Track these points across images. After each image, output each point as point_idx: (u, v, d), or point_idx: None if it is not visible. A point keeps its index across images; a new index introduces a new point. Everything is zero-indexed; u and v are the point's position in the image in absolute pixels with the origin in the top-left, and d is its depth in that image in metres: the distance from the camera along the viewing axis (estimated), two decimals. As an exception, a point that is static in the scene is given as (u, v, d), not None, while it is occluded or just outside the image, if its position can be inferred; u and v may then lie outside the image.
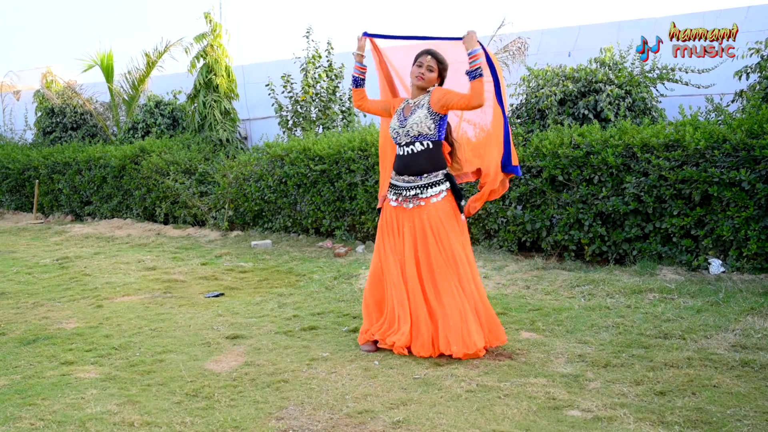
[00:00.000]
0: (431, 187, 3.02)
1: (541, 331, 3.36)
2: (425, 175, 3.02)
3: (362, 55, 3.25)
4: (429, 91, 3.09)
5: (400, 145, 3.08)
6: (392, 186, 3.12)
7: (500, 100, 3.00)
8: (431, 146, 3.03)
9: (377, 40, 3.31)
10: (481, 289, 3.10)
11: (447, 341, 2.96)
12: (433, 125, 3.01)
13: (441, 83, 3.13)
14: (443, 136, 3.09)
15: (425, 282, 3.01)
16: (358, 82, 3.27)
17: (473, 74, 2.89)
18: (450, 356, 2.96)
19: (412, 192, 3.04)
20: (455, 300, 2.95)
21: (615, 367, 2.83)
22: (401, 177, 3.07)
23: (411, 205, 3.04)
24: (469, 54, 2.90)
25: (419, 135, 3.01)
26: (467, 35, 2.93)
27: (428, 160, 3.02)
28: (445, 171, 3.07)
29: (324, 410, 2.50)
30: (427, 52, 3.05)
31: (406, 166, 3.04)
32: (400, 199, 3.07)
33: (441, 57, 3.07)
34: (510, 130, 3.05)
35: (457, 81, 3.10)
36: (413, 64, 3.07)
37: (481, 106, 2.95)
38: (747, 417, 2.32)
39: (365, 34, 3.26)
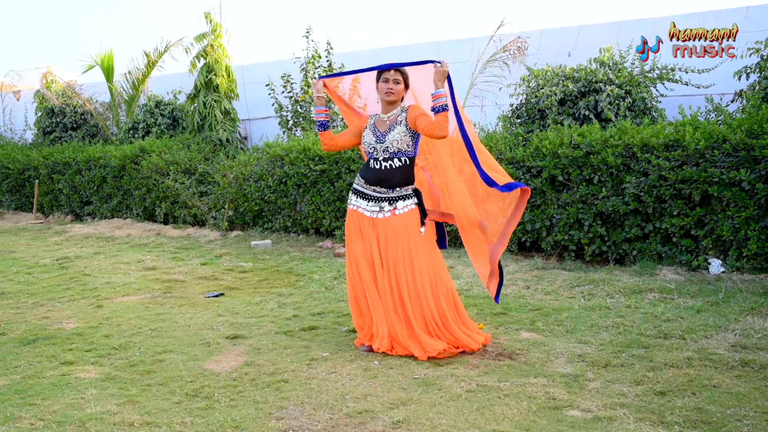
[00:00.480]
0: (401, 200, 3.09)
1: (541, 331, 3.36)
2: (398, 188, 3.10)
3: (322, 98, 3.23)
4: (404, 108, 3.13)
5: (376, 159, 3.10)
6: (359, 193, 3.15)
7: (462, 130, 3.04)
8: (408, 162, 3.11)
9: (332, 81, 3.35)
10: (447, 299, 3.11)
11: (407, 344, 3.04)
12: (411, 142, 3.09)
13: (406, 89, 3.16)
14: (417, 153, 3.16)
15: (392, 286, 3.07)
16: (325, 125, 3.24)
17: (437, 109, 2.95)
18: (436, 358, 3.00)
19: (382, 203, 3.09)
20: (407, 310, 3.04)
21: (615, 367, 2.83)
22: (372, 187, 3.12)
23: (379, 216, 3.09)
24: (432, 93, 2.96)
25: (398, 151, 3.08)
26: (439, 71, 2.93)
27: (403, 176, 3.10)
28: (413, 186, 3.15)
29: (324, 410, 2.50)
30: (388, 66, 3.08)
31: (381, 179, 3.09)
32: (367, 206, 3.12)
33: (402, 69, 3.11)
34: (477, 156, 3.05)
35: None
36: (378, 82, 3.11)
37: (444, 137, 3.01)
38: (747, 417, 2.32)
39: (320, 77, 3.29)
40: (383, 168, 3.08)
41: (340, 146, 3.29)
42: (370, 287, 3.09)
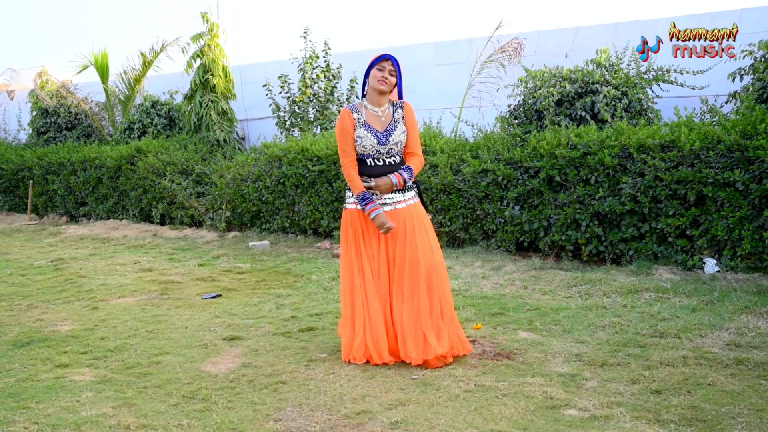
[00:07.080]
0: (408, 191, 3.05)
1: (539, 331, 3.37)
2: None
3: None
4: (397, 103, 3.06)
5: (376, 158, 3.01)
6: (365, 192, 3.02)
7: None
8: (402, 155, 3.10)
9: None
10: (449, 293, 3.03)
11: (405, 347, 2.91)
12: (406, 139, 3.06)
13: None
14: None
15: (394, 284, 2.95)
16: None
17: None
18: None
19: (392, 195, 3.01)
20: (419, 302, 2.91)
21: (611, 366, 2.85)
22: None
23: (389, 208, 3.01)
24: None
25: (399, 150, 3.05)
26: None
27: (401, 166, 3.07)
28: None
29: (322, 411, 2.50)
30: (387, 57, 2.97)
31: (387, 172, 3.01)
32: (377, 203, 3.00)
33: (398, 64, 3.01)
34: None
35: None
36: (373, 68, 2.97)
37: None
38: (741, 415, 2.33)
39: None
40: (387, 164, 3.01)
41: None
42: (375, 298, 2.95)
